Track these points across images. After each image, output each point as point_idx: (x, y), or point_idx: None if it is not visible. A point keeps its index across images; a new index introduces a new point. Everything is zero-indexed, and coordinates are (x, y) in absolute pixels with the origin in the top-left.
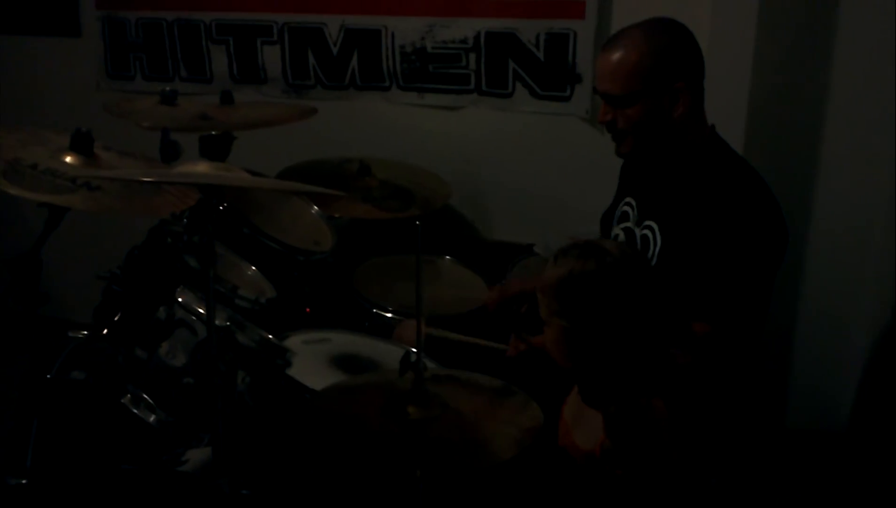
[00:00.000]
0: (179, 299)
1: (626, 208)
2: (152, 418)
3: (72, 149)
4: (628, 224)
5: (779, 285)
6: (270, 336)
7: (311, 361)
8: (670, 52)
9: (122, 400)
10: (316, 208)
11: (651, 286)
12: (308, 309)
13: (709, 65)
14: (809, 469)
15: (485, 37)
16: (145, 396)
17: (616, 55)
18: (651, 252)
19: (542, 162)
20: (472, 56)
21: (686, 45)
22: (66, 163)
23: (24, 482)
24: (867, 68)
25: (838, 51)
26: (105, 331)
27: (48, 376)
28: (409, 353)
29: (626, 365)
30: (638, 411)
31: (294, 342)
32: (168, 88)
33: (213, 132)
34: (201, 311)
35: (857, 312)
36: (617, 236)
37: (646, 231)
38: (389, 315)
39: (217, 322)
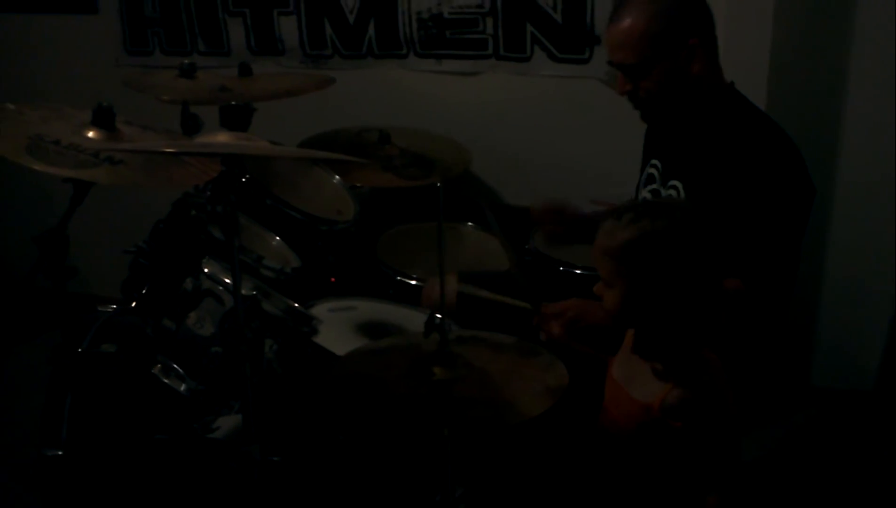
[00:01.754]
0: (205, 270)
1: (652, 169)
2: (183, 387)
3: (94, 124)
4: (654, 186)
5: (805, 244)
6: (296, 305)
7: (337, 328)
8: (678, 10)
9: (153, 371)
10: (337, 177)
11: (712, 239)
12: (333, 278)
13: (730, 24)
14: (835, 427)
15: (501, 0)
16: (175, 366)
17: (624, 24)
18: None
19: (562, 125)
20: (489, 20)
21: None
22: (88, 138)
23: (60, 453)
24: (888, 35)
25: (858, 30)
26: (133, 304)
27: (80, 349)
28: (433, 315)
29: (687, 319)
30: (701, 362)
31: (320, 310)
32: (186, 62)
33: (233, 104)
34: (227, 281)
35: (882, 271)
36: (644, 198)
37: (671, 191)
38: (413, 282)
39: (243, 291)
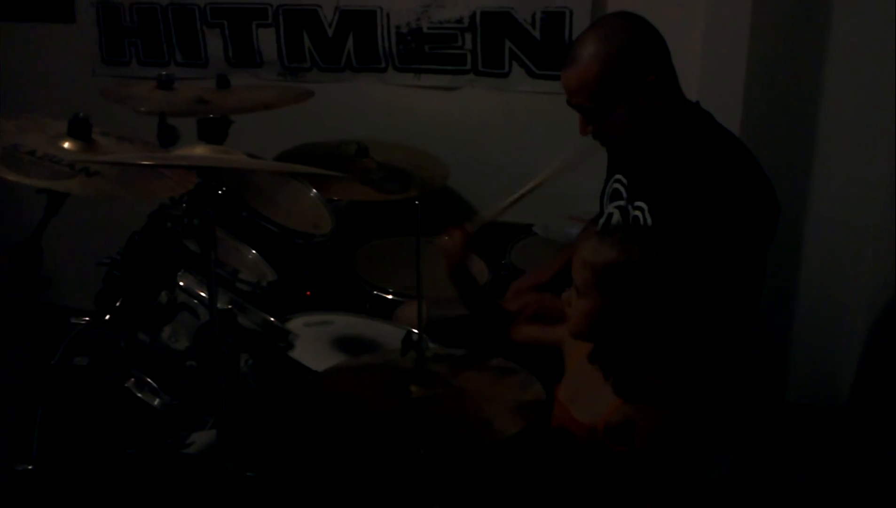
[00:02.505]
0: (181, 283)
1: (618, 185)
2: (156, 401)
3: (70, 134)
4: (621, 202)
5: (779, 261)
6: (272, 319)
7: (314, 343)
8: (631, 49)
9: (126, 385)
10: (314, 191)
11: (683, 275)
12: (309, 292)
13: (705, 49)
14: (809, 443)
15: (480, 16)
16: (149, 380)
17: (579, 68)
18: None
19: (539, 141)
20: (468, 36)
21: (643, 34)
22: (64, 148)
23: (30, 468)
24: (863, 51)
25: (834, 33)
26: (107, 317)
27: (52, 362)
28: (410, 333)
29: (648, 343)
30: (649, 391)
31: (296, 324)
32: (164, 73)
33: (211, 116)
34: (203, 294)
35: (856, 287)
36: (612, 214)
37: (637, 212)
38: (390, 297)
39: (219, 305)
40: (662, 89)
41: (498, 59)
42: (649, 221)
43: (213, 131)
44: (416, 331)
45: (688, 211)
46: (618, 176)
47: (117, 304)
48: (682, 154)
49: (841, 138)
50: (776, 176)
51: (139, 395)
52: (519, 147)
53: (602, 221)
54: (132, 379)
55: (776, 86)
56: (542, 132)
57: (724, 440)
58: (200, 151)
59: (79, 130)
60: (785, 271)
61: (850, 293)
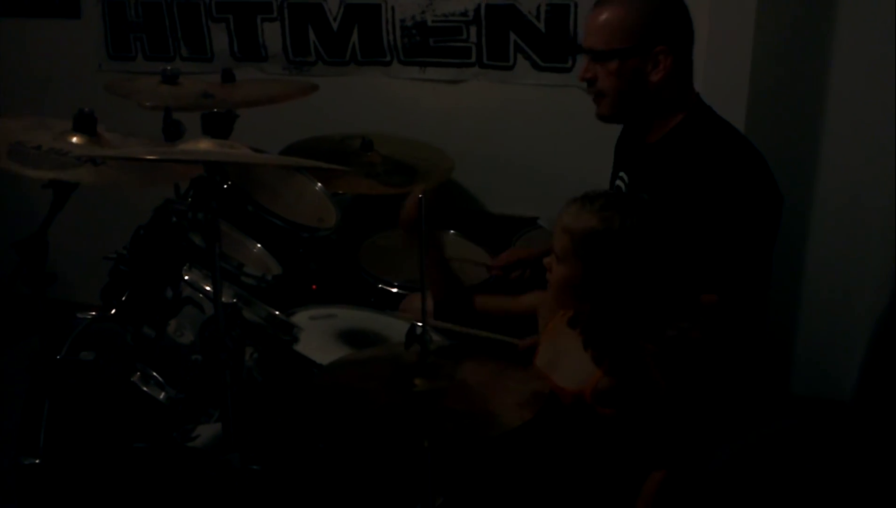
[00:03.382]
0: (186, 278)
1: (619, 182)
2: (162, 395)
3: (75, 129)
4: None
5: (785, 253)
6: (277, 312)
7: (318, 336)
8: (655, 15)
9: (132, 379)
10: (319, 184)
11: (667, 244)
12: (314, 286)
13: (710, 45)
14: (814, 436)
15: (485, 9)
16: (155, 374)
17: (605, 12)
18: None
19: (544, 134)
20: (473, 29)
21: (673, 10)
22: (70, 143)
23: (37, 462)
24: (869, 44)
25: (838, 33)
26: (113, 311)
27: (58, 357)
28: (414, 326)
29: (629, 309)
30: (637, 351)
31: (301, 317)
32: (169, 68)
33: (216, 110)
34: (208, 288)
35: (861, 280)
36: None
37: None
38: (395, 290)
39: (224, 299)
40: (667, 65)
41: (503, 51)
42: None
43: (218, 126)
44: (420, 324)
45: (693, 204)
46: (621, 174)
47: (123, 298)
48: (684, 147)
49: (846, 132)
50: (781, 170)
51: (145, 389)
52: (524, 140)
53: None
54: (138, 373)
55: (781, 79)
56: (547, 125)
57: (724, 432)
58: (205, 144)
59: (84, 124)
60: (791, 264)
61: (856, 286)
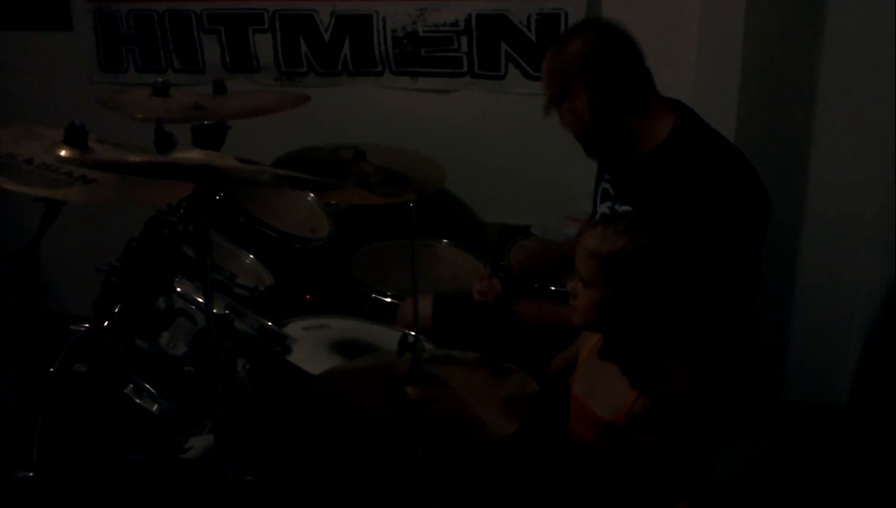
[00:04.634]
0: (178, 289)
1: (606, 185)
2: (155, 407)
3: (66, 142)
4: (610, 203)
5: (777, 259)
6: (270, 323)
7: (311, 347)
8: (568, 53)
9: (125, 391)
10: (312, 195)
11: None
12: (308, 296)
13: (700, 55)
14: (808, 441)
15: (476, 19)
16: (147, 386)
17: (543, 62)
18: None
19: (536, 143)
20: (464, 39)
21: (595, 46)
22: (61, 157)
23: (30, 475)
24: (859, 46)
25: (827, 40)
26: (106, 323)
27: (51, 369)
28: (406, 335)
29: (658, 330)
30: (665, 372)
31: (294, 328)
32: (160, 80)
33: (207, 122)
34: (200, 300)
35: (854, 284)
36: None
37: None
38: (388, 300)
39: (216, 311)
40: (592, 102)
41: (494, 61)
42: None
43: (210, 137)
44: (412, 333)
45: (676, 214)
46: (607, 176)
47: (116, 310)
48: (662, 160)
49: (837, 135)
50: (773, 174)
51: (138, 401)
52: (516, 149)
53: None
54: (131, 385)
55: (771, 87)
56: (538, 134)
57: (719, 439)
58: (195, 157)
59: (75, 137)
60: (783, 268)
61: (848, 290)
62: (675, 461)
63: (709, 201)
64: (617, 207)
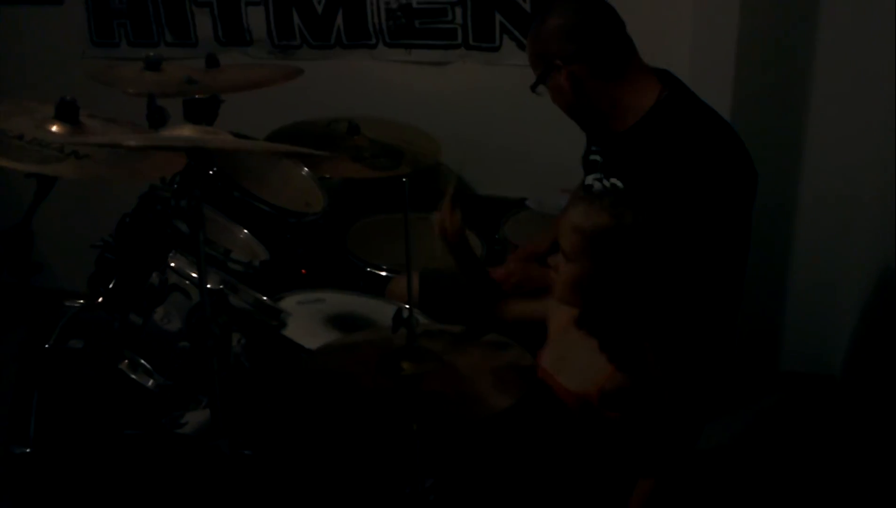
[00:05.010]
0: (172, 265)
1: (595, 156)
2: (150, 382)
3: (57, 117)
4: (599, 175)
5: (772, 232)
6: (265, 298)
7: (306, 321)
8: (547, 31)
9: (120, 366)
10: (306, 169)
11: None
12: (304, 271)
13: (694, 45)
14: (803, 411)
15: None
16: (142, 361)
17: (527, 41)
18: None
19: (531, 116)
20: (458, 10)
21: (571, 20)
22: (52, 132)
23: (27, 451)
24: (856, 36)
25: (825, 19)
26: (100, 299)
27: (46, 345)
28: (401, 310)
29: (638, 306)
30: (641, 353)
31: (288, 303)
32: (152, 54)
33: (199, 96)
34: (194, 275)
35: (849, 256)
36: (591, 185)
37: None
38: (384, 274)
39: (210, 286)
40: (572, 76)
41: (489, 32)
42: None
43: (203, 111)
44: (406, 307)
45: (661, 187)
46: (594, 148)
47: (110, 286)
48: (648, 132)
49: (831, 120)
50: (770, 149)
51: (133, 376)
52: (511, 121)
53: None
54: (126, 361)
55: (767, 68)
56: (533, 106)
57: (714, 410)
58: (187, 132)
59: (66, 112)
60: (778, 240)
61: (843, 262)
62: (643, 436)
63: (693, 173)
64: (604, 180)
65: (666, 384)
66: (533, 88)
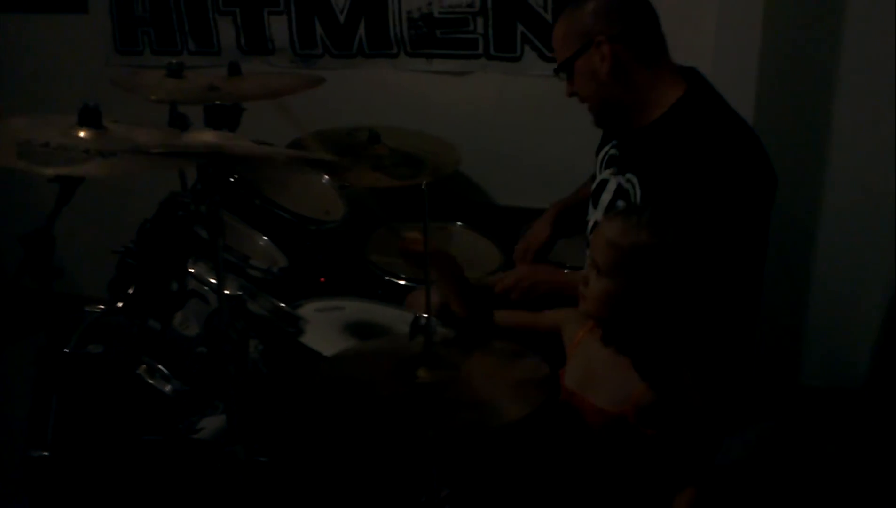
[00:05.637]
0: (191, 270)
1: (613, 151)
2: (168, 388)
3: (80, 123)
4: (615, 169)
5: (795, 242)
6: (283, 305)
7: (324, 328)
8: (588, 12)
9: (138, 371)
10: (327, 177)
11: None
12: (322, 279)
13: (718, 41)
14: (825, 425)
15: (492, 0)
16: (160, 366)
17: (555, 30)
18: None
19: (551, 125)
20: (480, 20)
21: (617, 2)
22: (77, 137)
23: (46, 454)
24: (881, 34)
25: (849, 23)
26: (120, 304)
27: (66, 350)
28: (418, 317)
29: (668, 324)
30: (674, 367)
31: (307, 310)
32: (175, 61)
33: (219, 103)
34: (213, 281)
35: (872, 268)
36: (606, 180)
37: (628, 185)
38: (402, 282)
39: (229, 292)
40: (614, 54)
41: (510, 42)
42: (640, 194)
43: (224, 119)
44: (424, 315)
45: (679, 186)
46: (613, 142)
47: (130, 291)
48: (669, 128)
49: (855, 124)
50: (792, 157)
51: (151, 381)
52: (531, 131)
53: (594, 185)
54: (144, 366)
55: (789, 74)
56: (554, 116)
57: (736, 423)
58: (208, 138)
59: (89, 118)
60: (800, 252)
61: (866, 274)
62: (680, 451)
63: (708, 175)
64: (620, 177)
65: (703, 400)
66: (557, 70)
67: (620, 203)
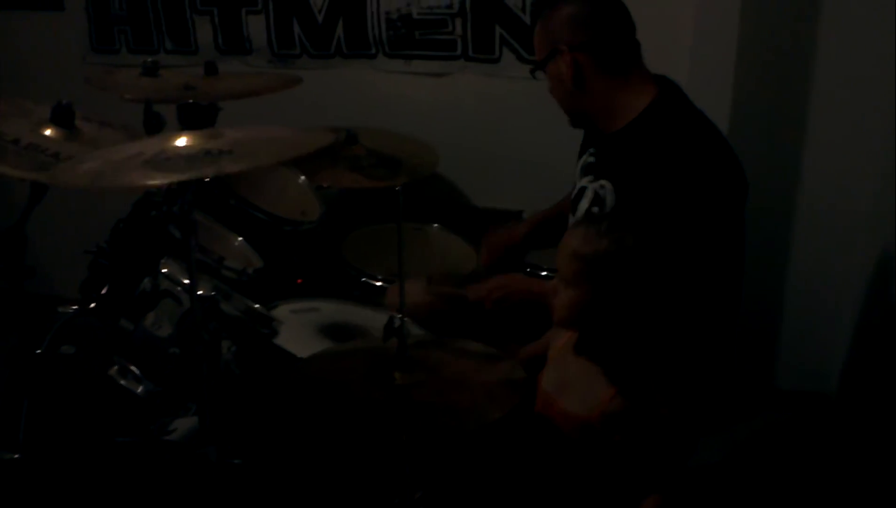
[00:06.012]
0: (164, 270)
1: (591, 158)
2: (140, 389)
3: (52, 122)
4: (592, 176)
5: (769, 247)
6: (257, 306)
7: (299, 330)
8: (556, 18)
9: (110, 372)
10: (303, 177)
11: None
12: (300, 280)
13: (694, 47)
14: (798, 429)
15: (470, 2)
16: (132, 367)
17: (537, 25)
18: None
19: (530, 127)
20: (458, 21)
21: (584, 9)
22: (47, 137)
23: (16, 456)
24: (856, 42)
25: (825, 23)
26: (93, 305)
27: (38, 351)
28: (392, 319)
29: (636, 331)
30: (641, 375)
31: (282, 311)
32: (150, 60)
33: (192, 102)
34: (186, 281)
35: (846, 273)
36: (585, 188)
37: (602, 191)
38: (379, 284)
39: (202, 292)
40: (575, 64)
41: (489, 44)
42: (614, 200)
43: (199, 118)
44: (398, 316)
45: (647, 191)
46: (591, 149)
47: (102, 292)
48: (638, 134)
49: (830, 132)
50: (767, 162)
51: (122, 382)
52: (510, 133)
53: (574, 193)
54: (115, 367)
55: (767, 73)
56: (532, 118)
57: (709, 426)
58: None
59: (62, 117)
60: (775, 256)
61: (841, 279)
62: (646, 458)
63: (674, 179)
64: (596, 183)
65: (671, 408)
66: (532, 72)
67: (595, 210)
